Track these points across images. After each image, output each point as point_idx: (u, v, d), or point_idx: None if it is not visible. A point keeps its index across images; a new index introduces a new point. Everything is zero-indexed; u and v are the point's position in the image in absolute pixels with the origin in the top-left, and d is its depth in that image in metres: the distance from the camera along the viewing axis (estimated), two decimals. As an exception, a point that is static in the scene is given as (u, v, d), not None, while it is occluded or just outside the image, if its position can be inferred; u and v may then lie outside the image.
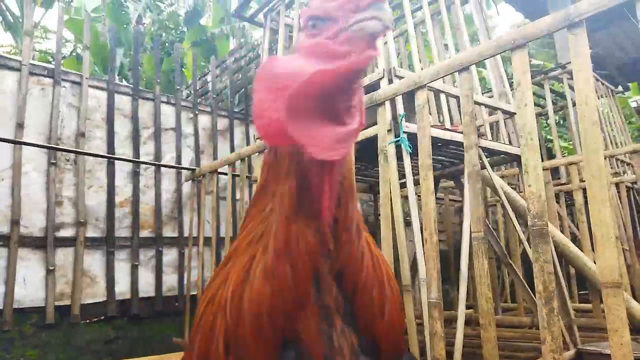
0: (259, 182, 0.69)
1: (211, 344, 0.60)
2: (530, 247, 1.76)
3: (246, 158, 3.42)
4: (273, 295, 0.57)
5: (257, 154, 2.98)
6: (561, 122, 7.33)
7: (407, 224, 2.70)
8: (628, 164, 4.30)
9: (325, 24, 0.61)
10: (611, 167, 4.13)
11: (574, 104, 4.27)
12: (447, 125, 3.03)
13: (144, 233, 3.83)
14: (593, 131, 1.53)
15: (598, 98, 4.75)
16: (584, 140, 1.55)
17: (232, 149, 4.48)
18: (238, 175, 3.58)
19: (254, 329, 0.57)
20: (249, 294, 0.58)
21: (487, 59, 1.98)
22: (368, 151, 2.53)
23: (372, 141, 2.37)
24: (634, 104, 9.67)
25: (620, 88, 7.90)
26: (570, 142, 5.27)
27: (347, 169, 0.66)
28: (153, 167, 3.94)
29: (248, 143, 4.61)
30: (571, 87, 4.45)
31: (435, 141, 2.55)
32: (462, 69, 1.92)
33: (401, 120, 2.40)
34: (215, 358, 0.58)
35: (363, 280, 0.64)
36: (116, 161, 3.70)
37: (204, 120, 4.44)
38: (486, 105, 3.09)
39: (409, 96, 2.24)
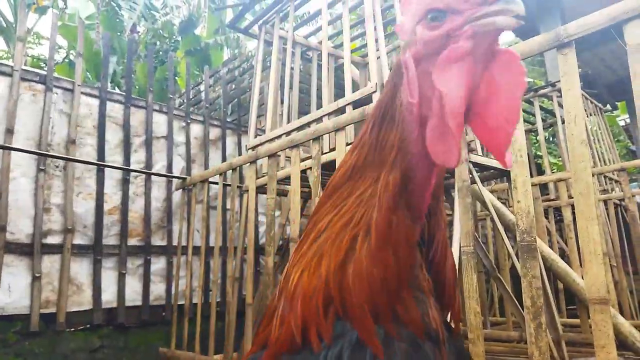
0: (350, 161, 0.70)
1: (310, 302, 0.62)
2: (518, 262, 1.77)
3: (238, 168, 3.41)
4: (378, 277, 0.60)
5: (248, 164, 2.98)
6: (551, 138, 7.43)
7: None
8: (616, 181, 4.36)
9: (447, 17, 0.58)
10: (599, 184, 4.18)
11: (563, 122, 4.33)
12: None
13: (133, 241, 3.79)
14: (581, 150, 1.55)
15: (587, 116, 4.82)
16: (572, 159, 1.57)
17: (224, 159, 4.47)
18: (229, 185, 3.58)
19: (357, 302, 0.60)
20: (353, 272, 0.61)
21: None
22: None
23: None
24: (622, 122, 9.83)
25: (608, 107, 8.04)
26: (560, 159, 5.34)
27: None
28: (143, 175, 3.92)
29: (240, 153, 4.61)
30: (560, 105, 4.52)
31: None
32: (453, 85, 1.94)
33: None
34: (316, 315, 0.61)
35: (448, 266, 0.70)
36: (106, 169, 3.68)
37: (196, 130, 4.44)
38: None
39: (401, 110, 2.25)
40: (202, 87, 5.56)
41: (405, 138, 0.63)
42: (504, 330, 3.46)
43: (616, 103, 9.14)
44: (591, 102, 5.11)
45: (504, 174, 3.10)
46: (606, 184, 4.43)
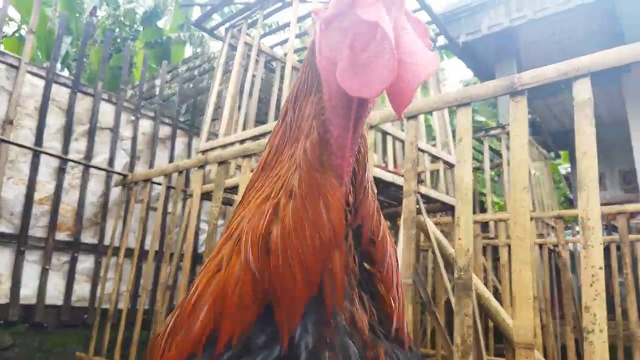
0: (265, 154, 0.68)
1: (232, 269, 0.58)
2: (454, 297, 1.78)
3: (185, 171, 3.29)
4: (309, 232, 0.57)
5: (196, 168, 2.87)
6: (496, 178, 7.72)
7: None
8: (552, 227, 4.56)
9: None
10: (537, 228, 4.36)
11: (508, 163, 4.50)
12: (390, 167, 3.08)
13: (61, 235, 3.56)
14: (522, 195, 1.59)
15: (532, 161, 5.05)
16: (512, 203, 1.60)
17: (172, 159, 4.31)
18: (173, 188, 3.44)
19: (286, 262, 0.56)
20: (279, 233, 0.57)
21: (434, 110, 2.04)
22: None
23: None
24: (563, 171, 10.40)
25: (552, 154, 8.49)
26: (502, 198, 5.54)
27: (364, 138, 0.67)
28: (82, 167, 3.70)
29: (189, 155, 4.47)
30: (508, 148, 4.71)
31: (377, 181, 2.57)
32: (410, 117, 1.96)
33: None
34: (233, 310, 0.56)
35: (381, 233, 0.66)
36: (42, 155, 3.45)
37: (145, 125, 4.26)
38: (429, 154, 3.18)
39: (357, 134, 2.25)
40: (157, 82, 5.38)
41: (320, 102, 0.62)
42: (433, 362, 3.50)
43: (559, 152, 9.69)
44: (537, 149, 5.36)
45: (448, 208, 3.16)
46: (543, 229, 4.63)
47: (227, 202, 3.54)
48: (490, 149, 5.18)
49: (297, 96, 0.67)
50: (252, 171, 2.66)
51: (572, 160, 8.42)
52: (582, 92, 1.55)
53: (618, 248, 3.73)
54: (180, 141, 4.50)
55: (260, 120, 3.99)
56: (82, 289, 3.63)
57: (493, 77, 5.99)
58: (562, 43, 6.46)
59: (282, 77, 3.83)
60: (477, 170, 5.34)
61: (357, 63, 0.54)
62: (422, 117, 2.93)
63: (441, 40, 4.19)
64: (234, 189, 3.20)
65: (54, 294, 3.46)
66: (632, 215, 4.54)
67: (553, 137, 8.20)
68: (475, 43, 6.06)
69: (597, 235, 1.44)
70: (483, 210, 5.09)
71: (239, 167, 3.31)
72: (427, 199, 2.95)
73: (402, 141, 2.96)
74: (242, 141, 3.19)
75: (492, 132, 5.06)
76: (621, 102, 7.26)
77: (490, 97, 1.80)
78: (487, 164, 4.86)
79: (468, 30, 5.84)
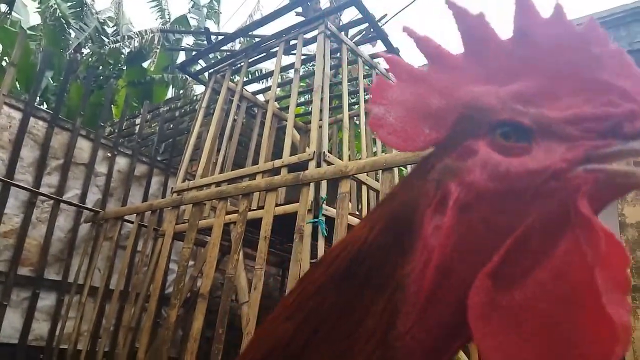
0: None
1: None
2: None
3: (158, 210, 3.27)
4: None
5: (170, 208, 2.86)
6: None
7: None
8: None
9: (534, 139, 0.36)
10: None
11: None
12: (364, 215, 3.14)
13: (23, 271, 3.43)
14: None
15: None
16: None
17: (146, 197, 4.27)
18: (145, 226, 3.39)
19: None
20: None
21: (410, 164, 2.12)
22: (285, 226, 2.53)
23: (291, 218, 2.38)
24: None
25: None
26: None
27: None
28: (52, 201, 3.63)
29: (164, 194, 4.43)
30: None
31: (350, 229, 2.61)
32: (385, 168, 2.03)
33: (322, 202, 2.45)
34: None
35: None
36: (12, 187, 3.37)
37: (122, 163, 4.23)
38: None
39: (333, 182, 2.31)
40: (137, 121, 5.40)
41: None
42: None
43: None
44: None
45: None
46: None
47: (199, 243, 3.51)
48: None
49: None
50: (227, 213, 2.67)
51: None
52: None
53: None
54: (156, 180, 4.48)
55: (238, 163, 4.03)
56: (40, 327, 3.46)
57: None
58: None
59: (262, 123, 3.91)
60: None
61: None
62: (396, 168, 3.03)
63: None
64: (207, 230, 3.18)
65: (10, 332, 3.29)
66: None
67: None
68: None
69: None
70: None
71: (213, 208, 3.30)
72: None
73: (377, 191, 3.04)
74: (218, 184, 3.21)
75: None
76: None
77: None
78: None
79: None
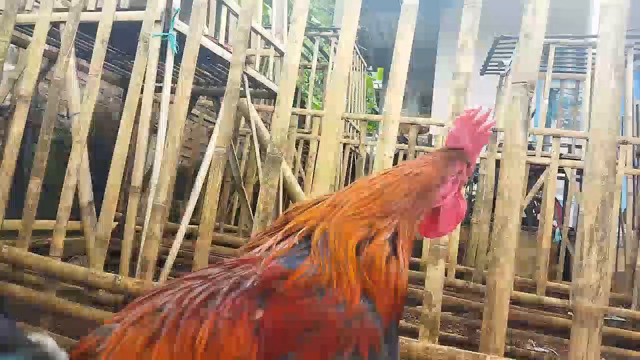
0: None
1: None
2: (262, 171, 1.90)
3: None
4: None
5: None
6: (320, 82, 8.08)
7: (154, 130, 2.56)
8: (357, 131, 5.07)
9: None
10: (344, 130, 4.80)
11: (332, 67, 4.74)
12: (222, 42, 2.96)
13: None
14: (339, 86, 1.73)
15: (353, 69, 5.39)
16: (330, 89, 1.73)
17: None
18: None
19: None
20: None
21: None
22: (128, 37, 2.26)
23: (136, 28, 2.12)
24: (375, 86, 11.41)
25: (370, 68, 9.17)
26: (322, 101, 5.87)
27: None
28: None
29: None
30: (335, 50, 4.91)
31: (204, 54, 2.45)
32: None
33: (175, 15, 2.21)
34: None
35: None
36: None
37: None
38: (262, 36, 3.14)
39: (190, -8, 2.07)
40: None
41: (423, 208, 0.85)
42: (235, 237, 3.77)
43: (377, 67, 10.53)
44: (359, 58, 5.72)
45: (272, 96, 3.23)
46: (349, 131, 5.11)
47: (20, 44, 2.96)
48: (320, 50, 5.34)
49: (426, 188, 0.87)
50: (56, 10, 2.26)
51: (385, 78, 9.27)
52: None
53: (405, 157, 4.38)
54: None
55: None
56: None
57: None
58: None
59: None
60: (305, 68, 5.48)
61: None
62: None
63: None
64: (31, 28, 2.68)
65: None
66: (421, 130, 5.30)
67: (374, 52, 8.84)
68: None
69: (394, 129, 1.67)
70: (303, 106, 5.34)
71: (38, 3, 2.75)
72: (254, 83, 2.95)
73: (237, 15, 2.84)
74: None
75: (325, 32, 5.19)
76: (436, 33, 8.12)
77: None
78: (314, 63, 5.04)
79: None
